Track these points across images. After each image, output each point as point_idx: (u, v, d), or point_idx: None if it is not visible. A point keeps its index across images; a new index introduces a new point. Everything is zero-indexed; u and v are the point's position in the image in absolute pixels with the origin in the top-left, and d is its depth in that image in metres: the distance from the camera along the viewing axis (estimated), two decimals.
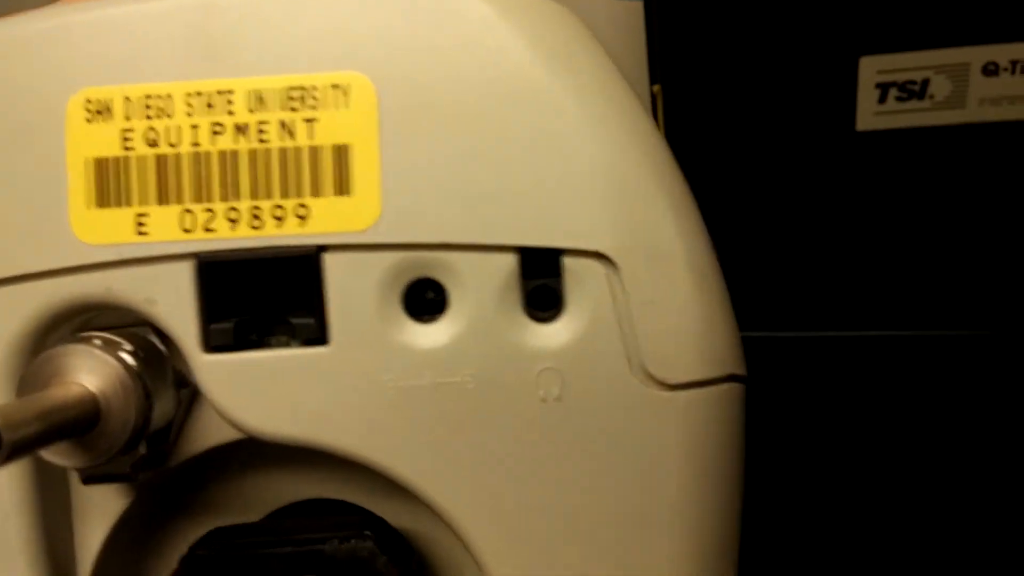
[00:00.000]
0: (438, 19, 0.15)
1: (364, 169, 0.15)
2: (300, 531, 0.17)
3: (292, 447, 0.16)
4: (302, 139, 0.15)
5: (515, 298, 0.16)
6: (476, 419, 0.16)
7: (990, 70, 0.36)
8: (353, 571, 0.17)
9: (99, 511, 0.17)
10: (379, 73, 0.15)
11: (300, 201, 0.15)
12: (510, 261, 0.15)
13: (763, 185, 0.39)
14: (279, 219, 0.15)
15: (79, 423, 0.15)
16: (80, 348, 0.15)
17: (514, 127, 0.15)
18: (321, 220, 0.15)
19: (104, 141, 0.16)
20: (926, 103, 0.36)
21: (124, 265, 0.16)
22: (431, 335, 0.16)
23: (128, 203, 0.16)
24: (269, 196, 0.15)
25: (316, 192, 0.15)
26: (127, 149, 0.16)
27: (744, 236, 0.40)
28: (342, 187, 0.15)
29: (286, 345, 0.16)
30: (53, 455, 0.15)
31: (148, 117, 0.16)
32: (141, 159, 0.16)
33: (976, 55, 0.35)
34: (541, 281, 0.16)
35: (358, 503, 0.19)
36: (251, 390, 0.16)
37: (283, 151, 0.15)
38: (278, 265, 0.16)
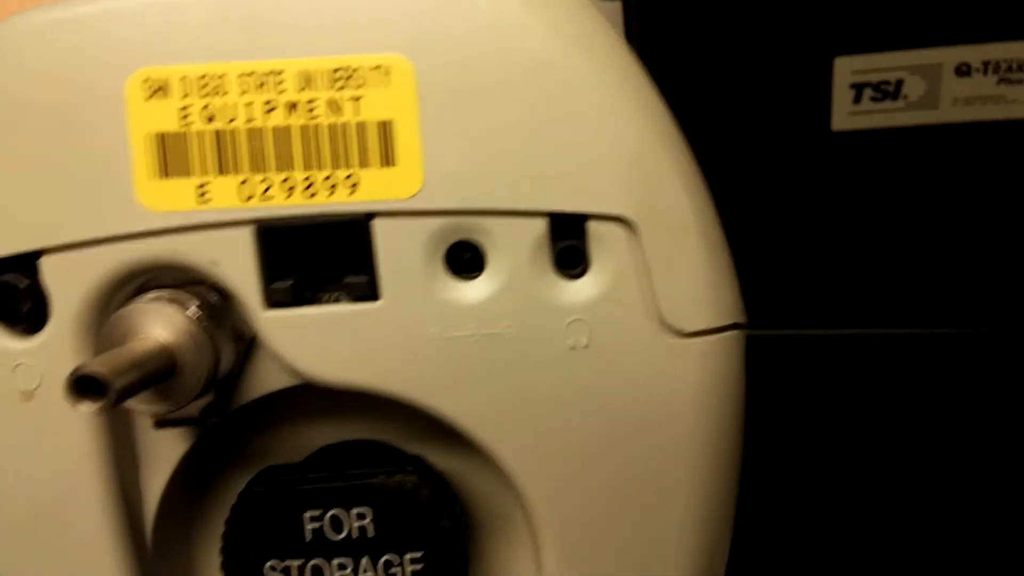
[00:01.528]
0: (469, 5, 0.17)
1: (407, 143, 0.17)
2: (348, 468, 0.19)
3: (327, 395, 0.18)
4: (349, 115, 0.17)
5: (546, 258, 0.17)
6: (514, 365, 0.17)
7: (963, 71, 0.37)
8: (399, 502, 0.19)
9: (162, 456, 0.19)
10: (417, 55, 0.17)
11: (349, 171, 0.17)
12: (541, 225, 0.17)
13: (739, 185, 0.40)
14: (331, 188, 0.17)
15: (159, 373, 0.16)
16: (152, 306, 0.17)
17: (542, 103, 0.17)
18: (369, 189, 0.17)
19: (164, 117, 0.17)
20: (900, 103, 0.37)
21: (189, 231, 0.17)
22: (472, 291, 0.17)
23: (190, 174, 0.17)
24: (321, 167, 0.17)
25: (364, 163, 0.17)
26: (186, 124, 0.17)
27: (726, 232, 0.41)
28: (387, 159, 0.17)
29: (338, 301, 0.18)
30: (137, 403, 0.17)
31: (204, 95, 0.17)
32: (200, 133, 0.17)
33: (949, 56, 0.36)
34: (569, 242, 0.17)
35: (396, 444, 0.21)
36: (310, 342, 0.17)
37: (332, 126, 0.17)
38: (331, 229, 0.17)
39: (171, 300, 0.17)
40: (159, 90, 0.17)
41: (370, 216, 0.17)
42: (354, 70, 0.17)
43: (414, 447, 0.20)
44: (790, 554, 0.35)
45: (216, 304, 0.18)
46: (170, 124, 0.17)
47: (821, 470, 0.36)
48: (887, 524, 0.35)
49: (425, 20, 0.17)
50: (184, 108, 0.17)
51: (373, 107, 0.17)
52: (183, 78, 0.17)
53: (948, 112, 0.36)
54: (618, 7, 0.48)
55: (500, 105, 0.17)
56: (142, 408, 0.17)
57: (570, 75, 0.17)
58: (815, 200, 0.38)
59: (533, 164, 0.17)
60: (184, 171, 0.17)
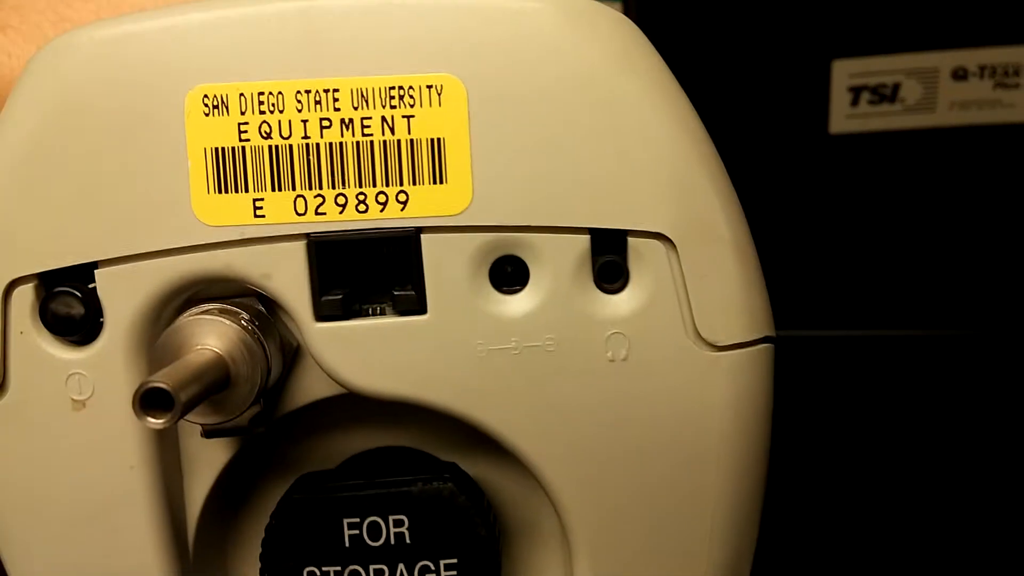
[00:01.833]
0: (517, 25, 0.17)
1: (457, 160, 0.17)
2: (383, 475, 0.20)
3: (360, 403, 0.19)
4: (401, 133, 0.17)
5: (587, 272, 0.18)
6: (555, 377, 0.18)
7: (959, 75, 0.37)
8: (436, 509, 0.19)
9: (206, 464, 0.20)
10: (467, 74, 0.17)
11: (401, 188, 0.17)
12: (583, 241, 0.18)
13: (737, 188, 0.41)
14: (382, 204, 0.17)
15: (217, 384, 0.17)
16: (206, 318, 0.17)
17: (586, 121, 0.17)
18: (419, 205, 0.17)
19: (221, 133, 0.17)
20: (897, 107, 0.38)
21: (243, 244, 0.18)
22: (515, 305, 0.18)
23: (245, 189, 0.17)
24: (373, 184, 0.17)
25: (415, 181, 0.17)
26: (243, 140, 0.17)
27: None
28: (438, 176, 0.17)
29: (386, 315, 0.18)
30: (193, 414, 0.17)
31: (262, 112, 0.17)
32: (256, 149, 0.17)
33: (946, 60, 0.37)
34: (609, 257, 0.18)
35: (430, 451, 0.21)
36: (358, 354, 0.18)
37: (384, 144, 0.17)
38: (381, 244, 0.18)
39: (222, 312, 0.18)
40: (218, 106, 0.17)
41: (419, 231, 0.18)
42: (407, 89, 0.17)
43: (445, 454, 0.21)
44: (790, 554, 0.35)
45: (265, 315, 0.19)
46: (228, 140, 0.17)
47: (821, 471, 0.36)
48: (888, 523, 0.35)
49: (475, 39, 0.17)
50: (242, 124, 0.17)
51: (425, 125, 0.17)
52: (241, 95, 0.17)
53: (945, 116, 0.37)
54: (618, 10, 0.49)
55: (546, 123, 0.17)
56: (199, 420, 0.17)
57: (613, 92, 0.17)
58: (813, 203, 0.39)
59: (577, 181, 0.18)
60: (240, 186, 0.17)
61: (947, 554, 0.34)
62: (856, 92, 0.38)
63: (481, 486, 0.21)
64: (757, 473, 0.19)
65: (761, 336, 0.19)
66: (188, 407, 0.15)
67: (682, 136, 0.18)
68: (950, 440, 0.36)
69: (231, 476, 0.21)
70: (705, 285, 0.18)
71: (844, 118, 0.39)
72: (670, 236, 0.18)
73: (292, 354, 0.19)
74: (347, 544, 0.19)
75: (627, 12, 0.45)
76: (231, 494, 0.21)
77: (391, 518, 0.20)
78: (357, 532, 0.19)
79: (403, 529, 0.20)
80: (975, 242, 0.39)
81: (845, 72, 0.38)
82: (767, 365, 0.19)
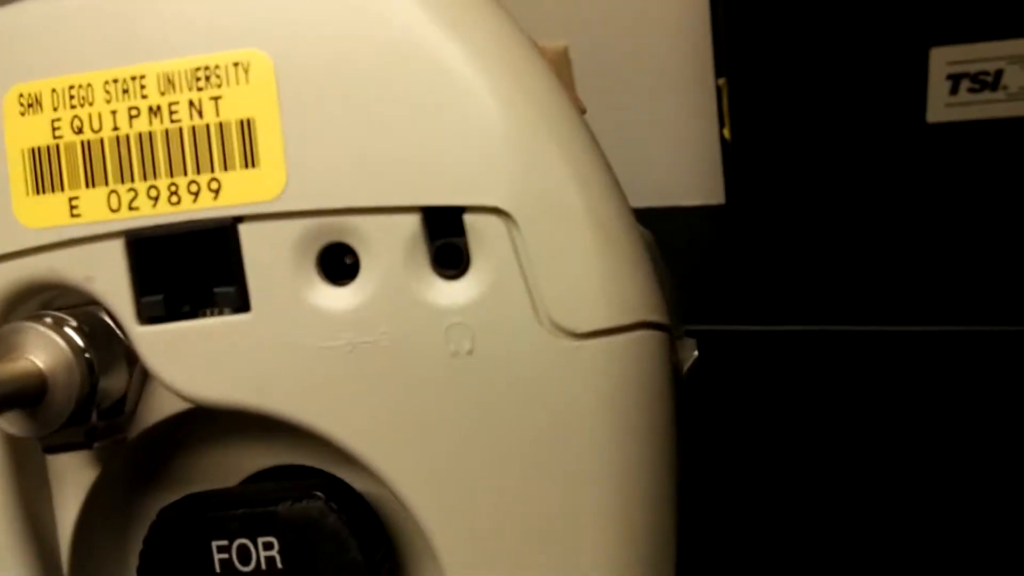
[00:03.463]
0: None
1: (268, 141, 0.16)
2: (257, 494, 0.18)
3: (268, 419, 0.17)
4: (210, 117, 0.16)
5: (422, 257, 0.16)
6: (393, 375, 0.16)
7: None
8: (306, 530, 0.18)
9: (72, 481, 0.19)
10: (275, 47, 0.16)
11: (212, 176, 0.16)
12: (414, 221, 0.16)
13: (832, 179, 0.38)
14: (195, 194, 0.16)
15: (25, 395, 0.16)
16: (27, 326, 0.17)
17: (407, 90, 0.15)
18: (233, 193, 0.16)
19: (37, 132, 0.17)
20: (1000, 94, 0.35)
21: (63, 246, 0.17)
22: (346, 297, 0.16)
23: (61, 188, 0.17)
24: (184, 173, 0.16)
25: (226, 166, 0.16)
26: (56, 137, 0.17)
27: (813, 229, 0.39)
28: (249, 160, 0.16)
29: (215, 314, 0.17)
30: (7, 424, 0.16)
31: (72, 106, 0.16)
32: (69, 146, 0.17)
33: None
34: (446, 240, 0.16)
35: (328, 468, 0.19)
36: (183, 358, 0.17)
37: (193, 129, 0.16)
38: (200, 238, 0.16)
39: (52, 320, 0.17)
40: (32, 105, 0.17)
41: (237, 220, 0.16)
42: (214, 69, 0.16)
43: (352, 471, 0.19)
44: (789, 554, 0.32)
45: (103, 324, 0.18)
46: (42, 139, 0.17)
47: (830, 467, 0.34)
48: (887, 522, 0.32)
49: (283, 11, 0.16)
50: (55, 121, 0.17)
51: (233, 106, 0.16)
52: (53, 91, 0.17)
53: None
54: (704, 0, 0.46)
55: (362, 95, 0.16)
56: (13, 430, 0.16)
57: (435, 58, 0.15)
58: (911, 195, 0.36)
59: (400, 156, 0.16)
60: (56, 186, 0.17)
61: (947, 555, 0.30)
62: (955, 80, 0.36)
63: (385, 507, 0.19)
64: (655, 481, 0.17)
65: (635, 321, 0.16)
66: None
67: (521, 100, 0.16)
68: (974, 439, 0.32)
69: (112, 496, 0.20)
70: (555, 263, 0.16)
71: (942, 107, 0.37)
72: (509, 211, 0.15)
73: (144, 367, 0.18)
74: (217, 569, 0.18)
75: (713, 3, 0.43)
76: (117, 514, 0.20)
77: (260, 541, 0.18)
78: (227, 556, 0.18)
79: (273, 552, 0.18)
80: None
81: (943, 60, 0.36)
82: (650, 355, 0.16)
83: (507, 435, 0.16)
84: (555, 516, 0.16)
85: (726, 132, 0.41)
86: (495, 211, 0.16)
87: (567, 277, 0.16)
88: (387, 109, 0.16)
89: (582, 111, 0.21)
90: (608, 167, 0.17)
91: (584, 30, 0.53)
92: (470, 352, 0.16)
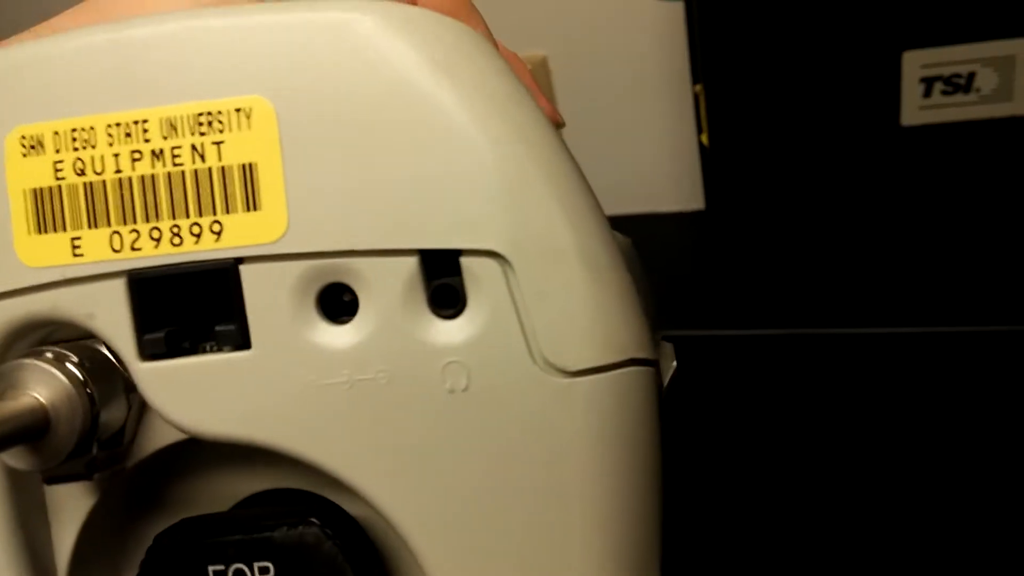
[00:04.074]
0: (327, 37, 0.16)
1: (270, 185, 0.16)
2: (254, 519, 0.19)
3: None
4: (212, 160, 0.16)
5: (419, 297, 0.17)
6: (390, 412, 0.17)
7: None
8: (302, 555, 0.18)
9: (70, 509, 0.19)
10: (276, 93, 0.16)
11: (214, 218, 0.17)
12: (411, 263, 0.16)
13: (810, 182, 0.39)
14: (197, 236, 0.17)
15: (29, 430, 0.16)
16: (29, 362, 0.17)
17: (404, 136, 0.16)
18: (234, 235, 0.16)
19: (39, 173, 0.17)
20: (972, 96, 0.35)
21: (64, 284, 0.17)
22: (345, 336, 0.17)
23: (63, 228, 0.17)
24: (187, 215, 0.17)
25: (228, 209, 0.16)
26: (59, 179, 0.17)
27: (792, 233, 0.40)
28: (251, 203, 0.16)
29: (216, 351, 0.17)
30: (11, 459, 0.17)
31: (75, 148, 0.17)
32: (71, 187, 0.17)
33: (1022, 47, 0.34)
34: (443, 280, 0.17)
35: (321, 492, 0.20)
36: (184, 393, 0.17)
37: (196, 172, 0.17)
38: (201, 278, 0.17)
39: (53, 356, 0.17)
40: (35, 146, 0.17)
41: (238, 262, 0.17)
42: (216, 114, 0.16)
43: (345, 495, 0.19)
44: (788, 554, 0.33)
45: (103, 359, 0.18)
46: (45, 180, 0.17)
47: (810, 470, 0.34)
48: (888, 523, 0.33)
49: (284, 58, 0.16)
50: (57, 163, 0.17)
51: (235, 151, 0.16)
52: (56, 133, 0.17)
53: (1022, 104, 0.35)
54: (680, 7, 0.47)
55: (362, 140, 0.16)
56: (18, 465, 0.17)
57: (430, 102, 0.16)
58: (887, 197, 0.37)
59: (399, 199, 0.16)
60: (59, 226, 0.17)
61: (947, 556, 0.31)
62: (928, 83, 0.36)
63: (376, 530, 0.19)
64: (639, 511, 0.17)
65: (623, 359, 0.17)
66: None
67: (513, 143, 0.16)
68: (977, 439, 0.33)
69: (108, 522, 0.20)
70: (548, 304, 0.16)
71: (916, 110, 0.37)
72: (504, 253, 0.16)
73: (141, 399, 0.18)
74: None
75: (688, 10, 0.44)
76: (113, 540, 0.20)
77: (256, 565, 0.18)
78: None
79: None
80: None
81: (916, 63, 0.36)
82: (638, 391, 0.17)
83: (500, 468, 0.17)
84: (545, 544, 0.17)
85: (704, 138, 0.42)
86: (491, 254, 0.16)
87: (560, 317, 0.16)
88: (386, 154, 0.16)
89: (560, 126, 0.22)
90: (597, 205, 0.17)
91: (563, 40, 0.53)
92: (466, 389, 0.16)
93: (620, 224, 0.18)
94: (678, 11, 0.49)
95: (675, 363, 0.23)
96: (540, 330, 0.16)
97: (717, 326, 0.38)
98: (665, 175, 0.54)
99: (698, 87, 0.42)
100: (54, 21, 0.20)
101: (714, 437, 0.35)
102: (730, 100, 0.39)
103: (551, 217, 0.16)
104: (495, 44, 0.22)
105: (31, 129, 0.17)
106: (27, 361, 0.17)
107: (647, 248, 0.22)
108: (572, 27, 0.53)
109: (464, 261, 0.16)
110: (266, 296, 0.17)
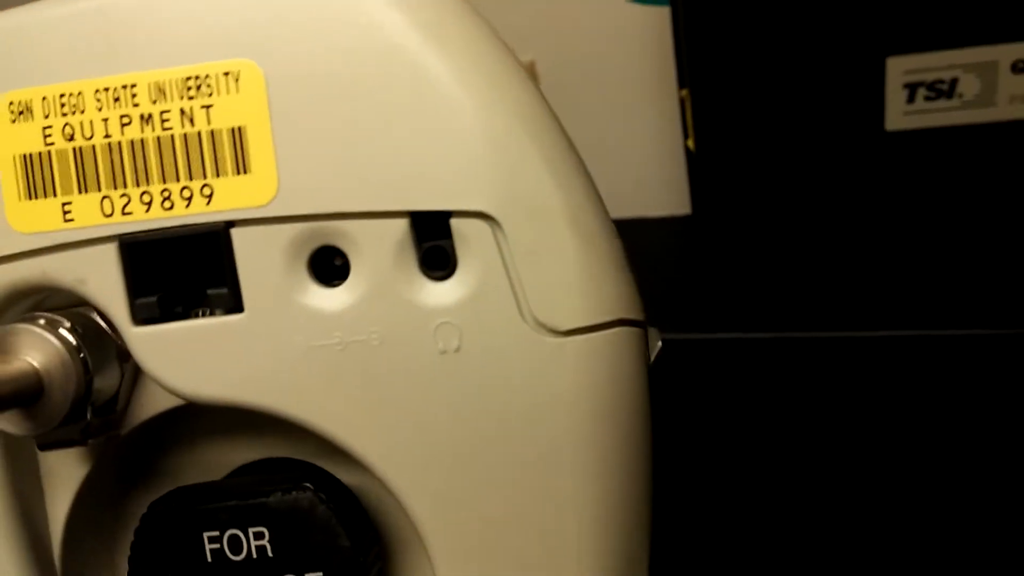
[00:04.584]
0: (314, 3, 0.16)
1: (259, 148, 0.16)
2: (247, 486, 0.19)
3: (250, 414, 0.18)
4: (201, 124, 0.17)
5: (410, 260, 0.17)
6: (384, 373, 0.17)
7: (1019, 68, 0.35)
8: (295, 521, 0.18)
9: (64, 477, 0.19)
10: (264, 58, 0.16)
11: (205, 182, 0.17)
12: (402, 225, 0.17)
13: (796, 187, 0.39)
14: (187, 199, 0.17)
15: (22, 395, 0.16)
16: (22, 327, 0.17)
17: (393, 99, 0.16)
18: (225, 198, 0.17)
19: (28, 139, 0.17)
20: (955, 102, 0.36)
21: (55, 250, 0.17)
22: (337, 298, 0.17)
23: (53, 193, 0.17)
24: (177, 179, 0.17)
25: (218, 172, 0.17)
26: (48, 144, 0.17)
27: (779, 238, 0.40)
28: (241, 166, 0.16)
29: (208, 315, 0.17)
30: (5, 424, 0.17)
31: (64, 114, 0.17)
32: (61, 152, 0.17)
33: (1004, 53, 0.35)
34: (434, 243, 0.17)
35: (314, 462, 0.20)
36: (178, 357, 0.17)
37: (185, 136, 0.17)
38: (193, 241, 0.17)
39: (46, 321, 0.17)
40: (23, 112, 0.17)
41: (229, 225, 0.17)
42: (204, 78, 0.16)
43: (337, 464, 0.20)
44: (778, 557, 0.33)
45: (96, 325, 0.18)
46: (34, 145, 0.17)
47: (797, 473, 0.35)
48: (887, 527, 0.33)
49: (271, 21, 0.16)
50: (46, 128, 0.17)
51: (224, 114, 0.16)
52: (44, 99, 0.17)
53: (1005, 110, 0.35)
54: (666, 11, 0.47)
55: (351, 103, 0.16)
56: (12, 429, 0.17)
57: (418, 66, 0.16)
58: (873, 201, 0.37)
59: (388, 162, 0.16)
60: (48, 191, 0.17)
61: (940, 562, 0.31)
62: (912, 88, 0.37)
63: (369, 498, 0.20)
64: (626, 467, 0.18)
65: (613, 318, 0.17)
66: None
67: (499, 106, 0.16)
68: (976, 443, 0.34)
69: (101, 491, 0.20)
70: (538, 265, 0.16)
71: (900, 115, 0.38)
72: (493, 214, 0.16)
73: (135, 366, 0.18)
74: (209, 559, 0.19)
75: (674, 14, 0.44)
76: (106, 509, 0.20)
77: (251, 531, 0.19)
78: (218, 546, 0.19)
79: (264, 542, 0.19)
80: None
81: (900, 69, 0.37)
82: (628, 351, 0.17)
83: (494, 427, 0.17)
84: (538, 502, 0.17)
85: (690, 143, 0.42)
86: (480, 215, 0.16)
87: (549, 277, 0.16)
88: (374, 117, 0.16)
89: None
90: (584, 168, 0.17)
91: (550, 45, 0.53)
92: (458, 350, 0.17)
93: None
94: (664, 16, 0.49)
95: (660, 343, 0.24)
96: (530, 290, 0.16)
97: (704, 329, 0.38)
98: (651, 180, 0.54)
99: (684, 92, 0.42)
100: None
101: (703, 440, 0.35)
102: (716, 105, 0.39)
103: (539, 178, 0.16)
104: None
105: (19, 95, 0.17)
106: (20, 326, 0.17)
107: (634, 252, 0.23)
108: (559, 32, 0.53)
109: (454, 223, 0.16)
110: (258, 259, 0.17)
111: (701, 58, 0.38)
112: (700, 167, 0.42)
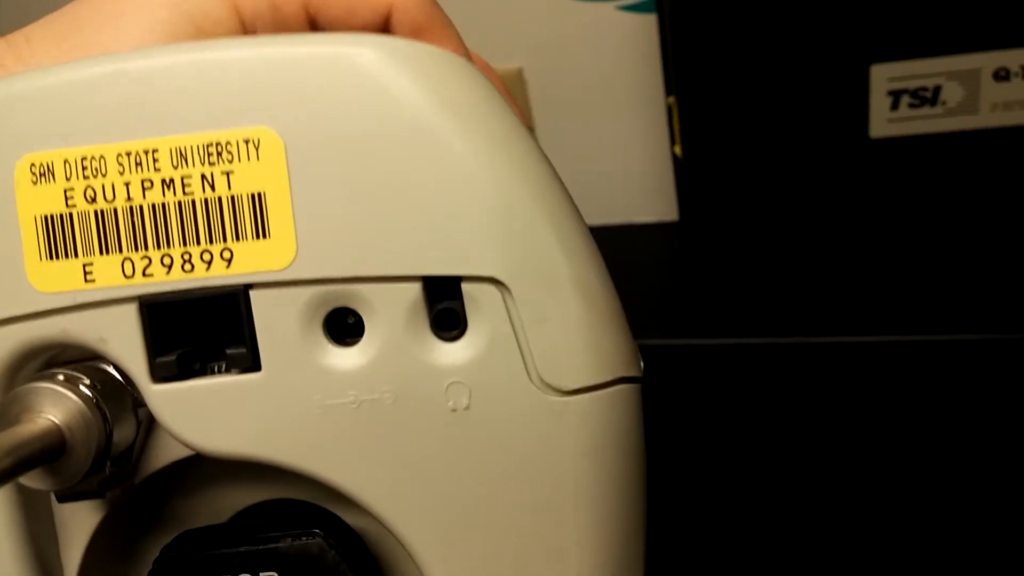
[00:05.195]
0: (334, 71, 0.17)
1: (278, 214, 0.17)
2: (258, 531, 0.19)
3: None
4: (222, 190, 0.17)
5: (422, 321, 0.17)
6: (396, 430, 0.18)
7: (1001, 76, 0.36)
8: (306, 565, 0.19)
9: (77, 526, 0.20)
10: (284, 126, 0.17)
11: (225, 246, 0.17)
12: (415, 289, 0.17)
13: (782, 193, 0.40)
14: (208, 263, 0.17)
15: (46, 453, 0.17)
16: (43, 386, 0.17)
17: (408, 167, 0.17)
18: (244, 262, 0.17)
19: (49, 200, 0.17)
20: (939, 109, 0.37)
21: (76, 310, 0.18)
22: (351, 358, 0.18)
23: (75, 255, 0.17)
24: (197, 242, 0.17)
25: (238, 237, 0.17)
26: (70, 206, 0.17)
27: (765, 244, 0.41)
28: (261, 231, 0.17)
29: (226, 373, 0.18)
30: (29, 480, 0.17)
31: (85, 176, 0.17)
32: (83, 215, 0.17)
33: (987, 61, 0.36)
34: (445, 305, 0.17)
35: (317, 503, 0.21)
36: (196, 414, 0.18)
37: (206, 201, 0.17)
38: (212, 303, 0.17)
39: (65, 378, 0.18)
40: (44, 174, 0.17)
41: (247, 288, 0.17)
42: (226, 145, 0.17)
43: (339, 506, 0.20)
44: (779, 559, 0.34)
45: (113, 379, 0.19)
46: (55, 207, 0.17)
47: (785, 477, 0.36)
48: (880, 531, 0.34)
49: (290, 90, 0.17)
50: (67, 190, 0.17)
51: (245, 180, 0.17)
52: (66, 161, 0.17)
53: (988, 117, 0.36)
54: (653, 19, 0.48)
55: (366, 170, 0.17)
56: (36, 485, 0.17)
57: (432, 136, 0.17)
58: (854, 208, 0.38)
59: (403, 229, 0.17)
60: (70, 252, 0.17)
61: (945, 558, 0.32)
62: (896, 96, 0.38)
63: (371, 539, 0.20)
64: (627, 516, 0.18)
65: (615, 377, 0.18)
66: (6, 475, 0.15)
67: (511, 176, 0.17)
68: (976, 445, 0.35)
69: (112, 537, 0.21)
70: (545, 328, 0.17)
71: (884, 122, 0.39)
72: (503, 280, 0.17)
73: (149, 416, 0.19)
74: None
75: (661, 22, 0.44)
76: (116, 555, 0.21)
77: (262, 575, 0.19)
78: None
79: None
80: (1022, 245, 0.38)
81: (884, 76, 0.38)
82: (627, 407, 0.18)
83: (500, 481, 0.18)
84: (540, 550, 0.18)
85: (677, 149, 0.43)
86: (490, 280, 0.17)
87: (556, 340, 0.17)
88: (390, 185, 0.17)
89: (529, 129, 0.23)
90: (587, 231, 0.18)
91: (538, 52, 0.54)
92: (467, 408, 0.17)
93: (594, 235, 0.19)
94: (651, 23, 0.50)
95: (641, 363, 0.25)
96: (537, 352, 0.17)
97: (691, 335, 0.39)
98: (639, 186, 0.55)
99: (671, 99, 0.43)
100: (28, 30, 0.20)
101: (691, 445, 0.36)
102: (703, 112, 0.40)
103: (547, 247, 0.17)
104: (469, 56, 0.23)
105: (40, 157, 0.17)
106: (41, 385, 0.17)
107: (621, 259, 0.23)
108: (547, 39, 0.54)
109: (465, 287, 0.17)
110: (275, 320, 0.17)
111: (688, 65, 0.39)
112: (687, 173, 0.43)
